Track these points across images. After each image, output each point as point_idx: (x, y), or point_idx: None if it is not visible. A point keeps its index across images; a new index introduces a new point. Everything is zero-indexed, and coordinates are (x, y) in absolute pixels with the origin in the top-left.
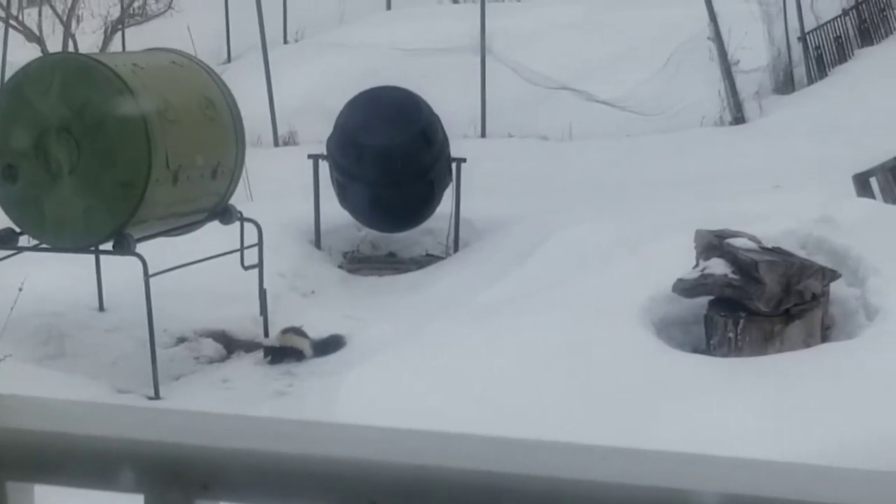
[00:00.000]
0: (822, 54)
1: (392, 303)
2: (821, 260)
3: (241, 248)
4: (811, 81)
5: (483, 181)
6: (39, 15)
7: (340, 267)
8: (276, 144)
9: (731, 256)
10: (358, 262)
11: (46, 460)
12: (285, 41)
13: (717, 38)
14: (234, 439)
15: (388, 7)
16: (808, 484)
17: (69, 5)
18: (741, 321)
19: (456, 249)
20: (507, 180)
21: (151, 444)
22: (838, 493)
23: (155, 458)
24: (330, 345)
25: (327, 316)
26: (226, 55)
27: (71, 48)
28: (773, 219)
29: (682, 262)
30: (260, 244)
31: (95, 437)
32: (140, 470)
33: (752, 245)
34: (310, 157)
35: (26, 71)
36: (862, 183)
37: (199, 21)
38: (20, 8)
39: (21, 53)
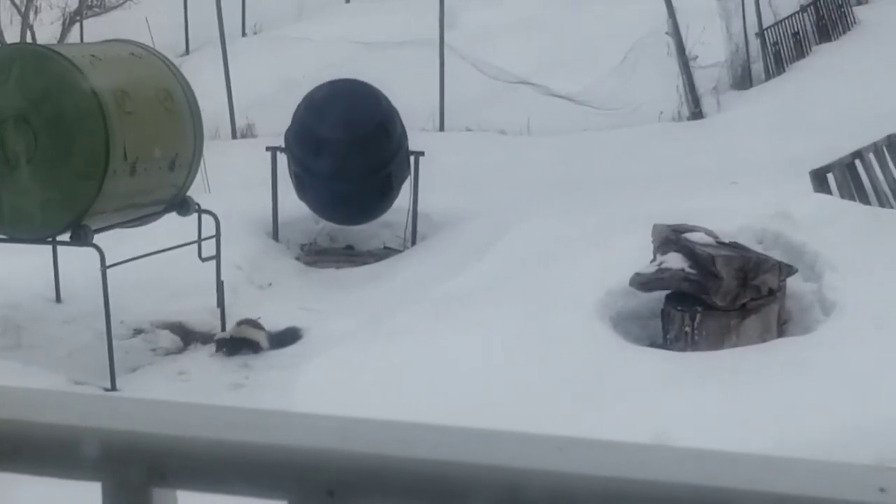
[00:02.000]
0: (780, 50)
1: (349, 295)
2: (777, 255)
3: (199, 240)
4: (769, 77)
5: (441, 175)
6: None
7: (298, 259)
8: (234, 137)
9: (688, 251)
10: (315, 255)
11: (2, 448)
12: (244, 34)
13: (676, 33)
14: (192, 428)
15: (347, 1)
16: (762, 474)
17: None
18: (698, 315)
19: (414, 243)
20: (465, 174)
21: (109, 431)
22: (793, 483)
23: (112, 446)
24: (287, 337)
25: (284, 308)
26: (184, 47)
27: (29, 39)
28: (730, 214)
29: (640, 256)
30: (217, 236)
31: (52, 424)
32: (97, 458)
33: (708, 240)
34: (268, 149)
35: None
36: (819, 179)
37: (158, 13)
38: None
39: None
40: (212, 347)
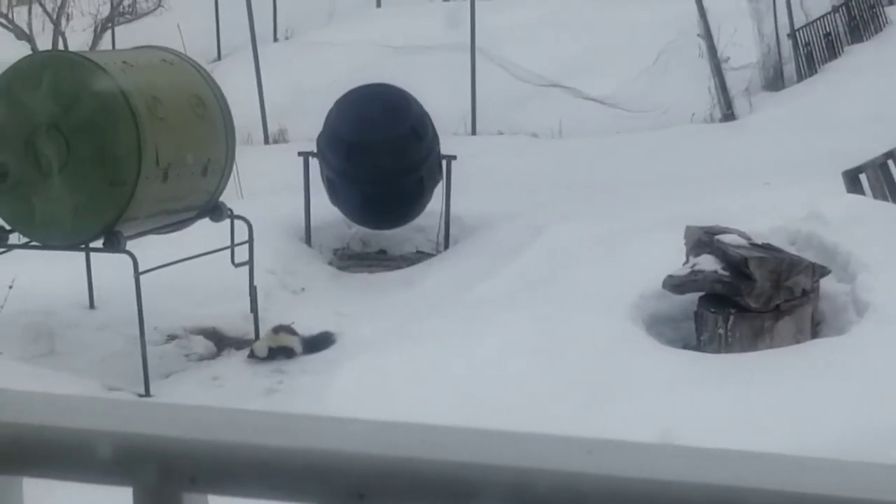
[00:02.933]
0: (812, 51)
1: (382, 300)
2: (810, 256)
3: (232, 246)
4: (801, 78)
5: (473, 178)
6: (29, 13)
7: (330, 264)
8: (267, 142)
9: (721, 253)
10: (348, 259)
11: (34, 453)
12: (275, 39)
13: (707, 34)
14: (222, 432)
15: (378, 5)
16: (795, 475)
17: (59, 3)
18: (731, 317)
19: (446, 246)
20: (497, 177)
21: (139, 436)
22: (820, 483)
23: (143, 451)
24: (320, 342)
25: (317, 313)
26: (216, 53)
27: (61, 46)
28: (762, 215)
29: (673, 259)
30: (250, 241)
31: (83, 430)
32: (128, 463)
33: (741, 241)
34: (300, 154)
35: (16, 69)
36: (851, 179)
37: (189, 19)
38: (10, 6)
39: (11, 52)
40: (246, 353)
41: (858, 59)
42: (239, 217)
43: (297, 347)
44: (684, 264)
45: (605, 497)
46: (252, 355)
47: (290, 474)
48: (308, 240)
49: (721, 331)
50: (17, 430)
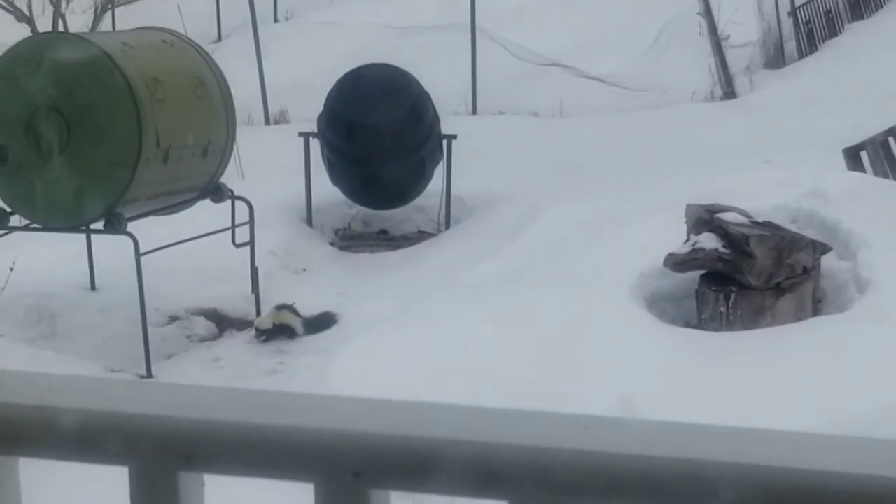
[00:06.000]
0: (813, 29)
1: (383, 279)
2: (811, 234)
3: (233, 227)
4: (802, 56)
5: (474, 158)
6: None
7: (332, 244)
8: (268, 123)
9: (722, 231)
10: (349, 240)
11: (30, 434)
12: (276, 20)
13: (707, 13)
14: (217, 411)
15: None
16: (790, 450)
17: None
18: (732, 295)
19: (447, 226)
20: (498, 157)
21: (135, 416)
22: (823, 459)
23: (138, 431)
24: (321, 322)
25: (319, 293)
26: (216, 34)
27: (61, 28)
28: (763, 193)
29: (674, 237)
30: (251, 222)
31: (79, 409)
32: (124, 442)
33: (742, 219)
34: (301, 134)
35: (15, 51)
36: (852, 156)
37: (190, 1)
38: None
39: (11, 34)
40: (247, 333)
41: (859, 36)
42: (240, 198)
43: (299, 328)
44: (685, 242)
45: (601, 472)
46: (256, 330)
47: (286, 453)
48: (309, 220)
49: (722, 309)
50: (13, 411)
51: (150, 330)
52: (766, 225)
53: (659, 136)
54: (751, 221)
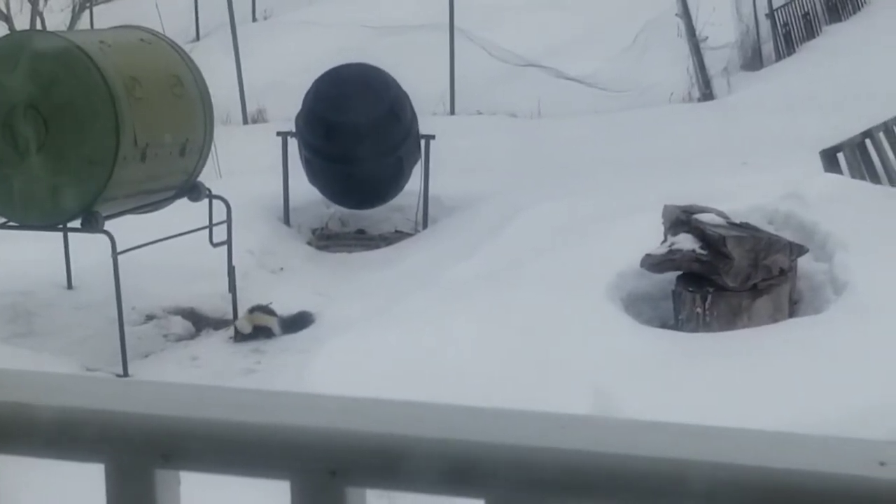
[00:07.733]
0: (791, 31)
1: (361, 279)
2: (788, 235)
3: (210, 226)
4: (779, 58)
5: (452, 158)
6: None
7: (309, 244)
8: (245, 122)
9: (699, 232)
10: (327, 239)
11: (5, 431)
12: (254, 19)
13: (685, 14)
14: (193, 409)
15: None
16: (765, 449)
17: None
18: (709, 296)
19: (425, 226)
20: (476, 158)
21: (111, 413)
22: (795, 458)
23: (114, 429)
24: (298, 322)
25: (296, 293)
26: (194, 33)
27: (38, 26)
28: (740, 194)
29: (651, 238)
30: (228, 221)
31: (55, 406)
32: (100, 440)
33: (719, 220)
34: (278, 134)
35: None
36: (829, 158)
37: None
38: None
39: None
40: (224, 333)
41: (836, 39)
42: (217, 197)
43: (276, 328)
44: (662, 243)
45: (578, 472)
46: (236, 333)
47: (262, 451)
48: (287, 220)
49: (699, 310)
50: None
51: (126, 329)
52: (744, 226)
53: (637, 137)
54: (728, 222)
